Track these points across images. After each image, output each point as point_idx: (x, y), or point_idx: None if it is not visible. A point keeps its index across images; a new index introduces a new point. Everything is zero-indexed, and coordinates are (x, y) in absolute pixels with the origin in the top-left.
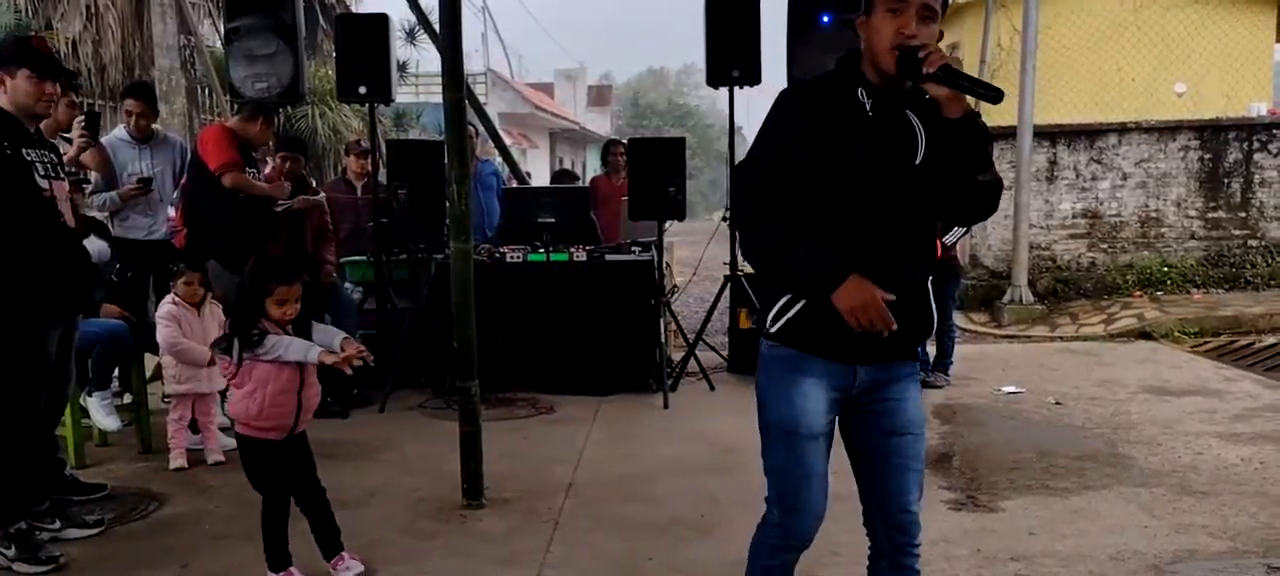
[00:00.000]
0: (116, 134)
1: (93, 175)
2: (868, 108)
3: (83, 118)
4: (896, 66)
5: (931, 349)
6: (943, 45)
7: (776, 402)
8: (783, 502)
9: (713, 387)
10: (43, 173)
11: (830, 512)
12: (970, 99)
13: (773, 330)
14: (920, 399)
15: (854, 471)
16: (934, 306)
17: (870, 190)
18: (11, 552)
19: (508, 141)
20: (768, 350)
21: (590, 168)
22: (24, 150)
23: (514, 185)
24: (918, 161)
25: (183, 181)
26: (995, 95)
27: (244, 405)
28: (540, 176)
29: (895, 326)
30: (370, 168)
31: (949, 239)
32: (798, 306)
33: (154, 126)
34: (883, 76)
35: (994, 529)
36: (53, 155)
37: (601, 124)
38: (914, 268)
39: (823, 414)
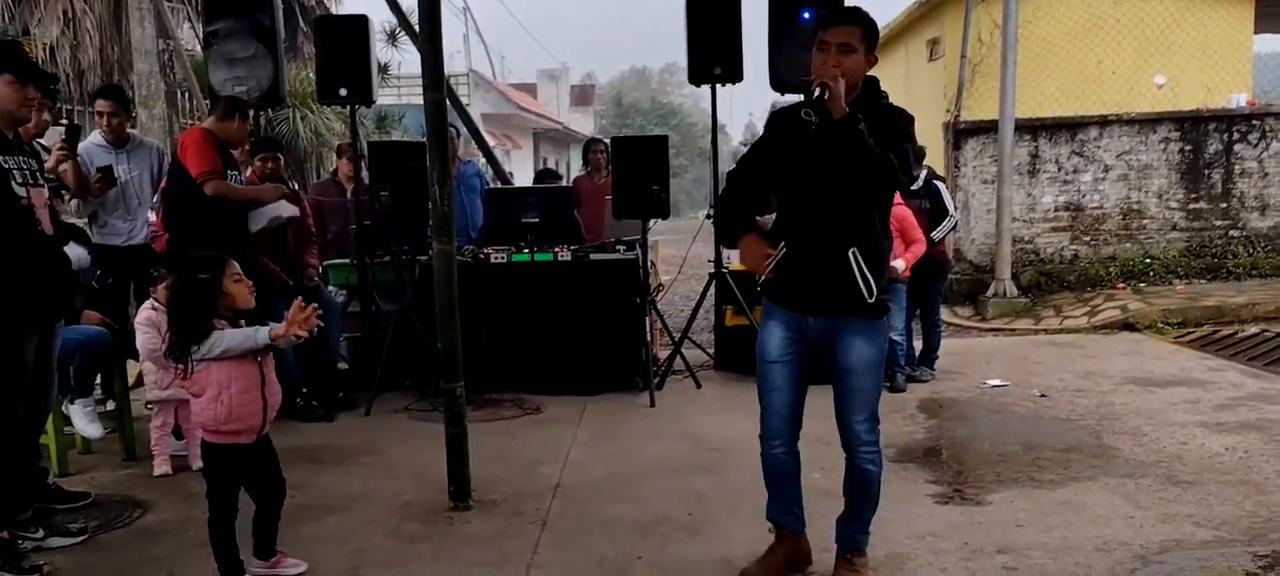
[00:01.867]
0: (92, 140)
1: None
2: (812, 123)
3: (63, 129)
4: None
5: (917, 343)
6: (924, 40)
7: (758, 339)
8: (760, 405)
9: (699, 386)
10: (21, 180)
11: (818, 509)
12: (844, 101)
13: (758, 289)
14: (868, 347)
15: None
16: (865, 276)
17: (805, 185)
18: None
19: (491, 142)
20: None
21: (574, 167)
22: (2, 158)
23: (496, 186)
24: (833, 160)
25: (163, 185)
26: (808, 92)
27: (211, 411)
28: (524, 177)
29: (768, 268)
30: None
31: (936, 234)
32: (770, 266)
33: (130, 130)
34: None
35: (981, 521)
36: (32, 162)
37: (585, 124)
38: (838, 241)
39: (777, 346)
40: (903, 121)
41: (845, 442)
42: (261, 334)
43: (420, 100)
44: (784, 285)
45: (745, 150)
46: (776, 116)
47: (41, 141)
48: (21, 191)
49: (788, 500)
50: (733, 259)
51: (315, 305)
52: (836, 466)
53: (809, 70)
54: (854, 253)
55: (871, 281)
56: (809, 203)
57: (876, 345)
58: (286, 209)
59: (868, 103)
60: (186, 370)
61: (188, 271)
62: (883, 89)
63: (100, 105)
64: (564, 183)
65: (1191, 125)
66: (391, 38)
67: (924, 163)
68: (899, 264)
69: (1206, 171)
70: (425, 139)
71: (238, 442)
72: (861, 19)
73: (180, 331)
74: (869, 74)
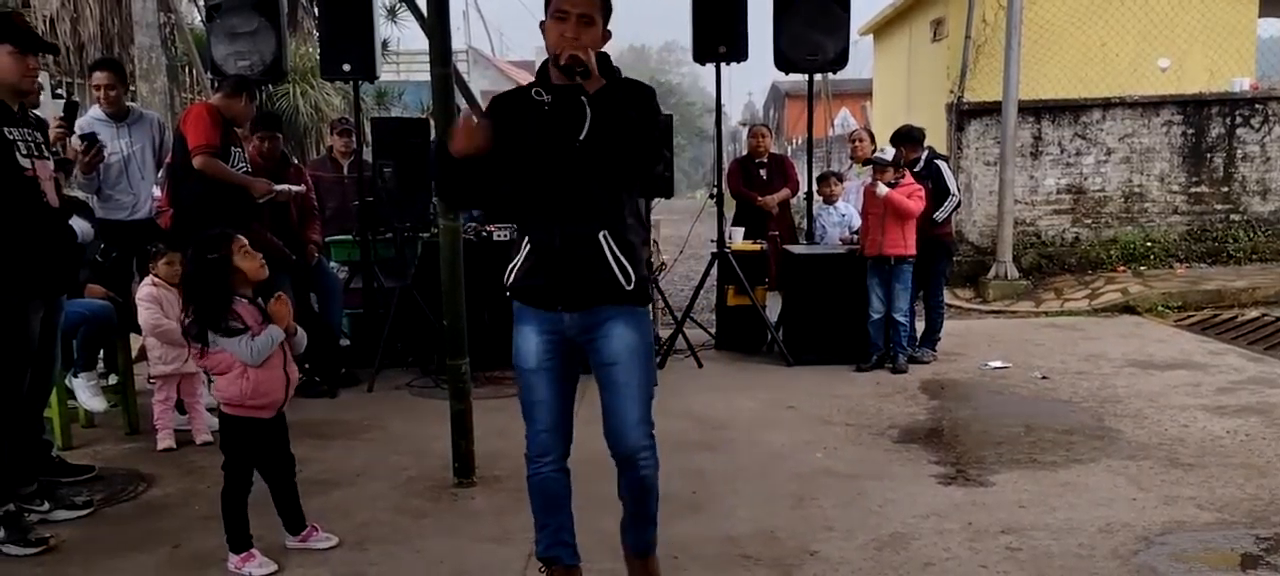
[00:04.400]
0: (92, 114)
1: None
2: (545, 103)
3: (62, 105)
4: (554, 67)
5: (919, 325)
6: (928, 21)
7: (514, 348)
8: (525, 422)
9: (701, 365)
10: (25, 152)
11: (821, 488)
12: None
13: (506, 291)
14: (631, 333)
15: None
16: (619, 260)
17: (540, 165)
18: (0, 535)
19: None
20: (512, 304)
21: None
22: (6, 129)
23: None
24: (581, 138)
25: (168, 160)
26: (561, 66)
27: (237, 387)
28: None
29: (474, 139)
30: (355, 146)
31: (939, 215)
32: (515, 268)
33: (129, 104)
34: (559, 72)
35: (984, 503)
36: (36, 134)
37: None
38: (585, 225)
39: (535, 352)
40: (654, 98)
41: (618, 453)
42: (277, 334)
43: (419, 76)
44: (532, 282)
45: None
46: (498, 102)
47: (39, 113)
48: (26, 163)
49: (560, 529)
50: (735, 238)
51: (280, 293)
52: (839, 447)
53: (813, 48)
54: (604, 236)
55: (628, 266)
56: (550, 189)
57: (640, 332)
58: (294, 186)
59: (612, 80)
60: (203, 350)
61: (197, 253)
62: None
63: (97, 78)
64: None
65: (1194, 109)
66: (391, 13)
67: (925, 143)
68: (882, 188)
69: (1208, 155)
70: (425, 115)
71: (259, 417)
72: None
73: (201, 314)
74: (604, 50)
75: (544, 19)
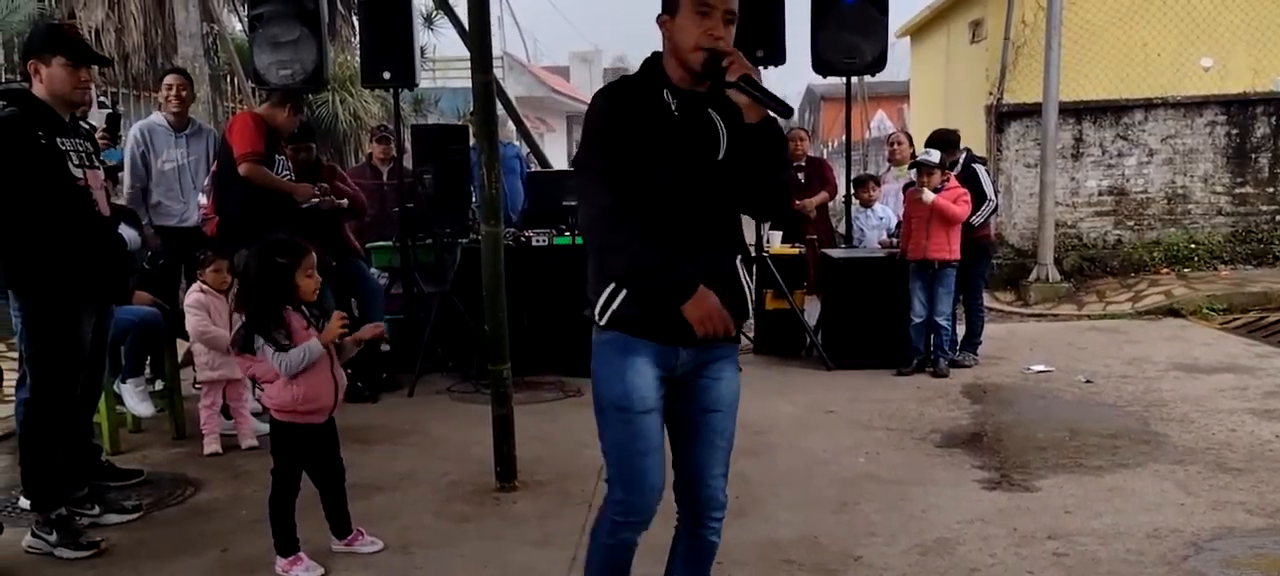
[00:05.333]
0: (154, 119)
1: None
2: (673, 107)
3: (106, 116)
4: (703, 66)
5: (959, 328)
6: (966, 22)
7: (608, 381)
8: (623, 479)
9: (740, 369)
10: (77, 162)
11: (863, 493)
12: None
13: (602, 321)
14: (736, 380)
15: (672, 445)
16: (747, 289)
17: (678, 184)
18: (53, 538)
19: (526, 124)
20: (599, 336)
21: None
22: (58, 140)
23: (534, 168)
24: (720, 157)
25: (213, 168)
26: (784, 110)
27: (288, 394)
28: (557, 160)
29: (734, 332)
30: (394, 153)
31: (976, 219)
32: (621, 297)
33: (190, 115)
34: (687, 75)
35: (1029, 508)
36: (87, 144)
37: None
38: (721, 251)
39: (652, 389)
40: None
41: (694, 507)
42: (313, 350)
43: (456, 83)
44: (652, 312)
45: (585, 147)
46: (618, 98)
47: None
48: (78, 173)
49: None
50: (773, 242)
51: (342, 314)
52: (881, 452)
53: (850, 51)
54: (740, 261)
55: (750, 297)
56: (684, 210)
57: (737, 378)
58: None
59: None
60: (246, 355)
61: (266, 253)
62: None
63: (171, 79)
64: None
65: (1238, 109)
66: (428, 20)
67: (962, 145)
68: (928, 194)
69: (1253, 155)
70: (463, 121)
71: (311, 422)
72: None
73: (254, 314)
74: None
75: (665, 14)
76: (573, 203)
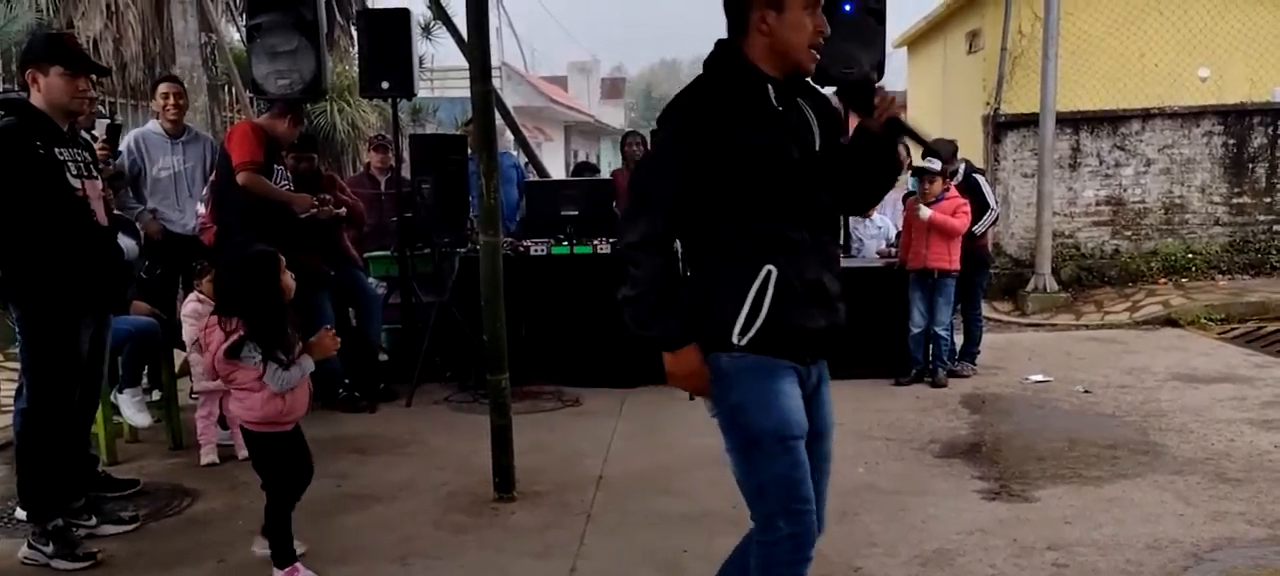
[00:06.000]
0: (150, 127)
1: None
2: (775, 102)
3: (106, 126)
4: (846, 92)
5: (958, 338)
6: (963, 32)
7: (765, 410)
8: (790, 510)
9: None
10: (75, 172)
11: (863, 503)
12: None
13: (742, 342)
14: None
15: None
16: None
17: (798, 180)
18: (50, 549)
19: (524, 134)
20: (736, 362)
21: (604, 159)
22: (57, 149)
23: (532, 178)
24: (817, 148)
25: (212, 177)
26: (946, 151)
27: (274, 406)
28: (555, 169)
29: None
30: (392, 162)
31: (978, 229)
32: (763, 316)
33: (186, 122)
34: (789, 70)
35: (1029, 518)
36: (86, 154)
37: (615, 116)
38: (836, 262)
39: (803, 411)
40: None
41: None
42: (307, 367)
43: (454, 92)
44: (796, 331)
45: (663, 157)
46: (726, 97)
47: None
48: (76, 183)
49: None
50: None
51: (330, 328)
52: (881, 462)
53: (848, 61)
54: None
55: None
56: (809, 215)
57: None
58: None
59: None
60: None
61: (248, 268)
62: None
63: (165, 88)
64: (600, 176)
65: (1235, 119)
66: (426, 31)
67: (960, 156)
68: (924, 210)
69: (1250, 166)
70: (460, 131)
71: (282, 431)
72: None
73: (259, 333)
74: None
75: (766, 9)
76: (572, 212)
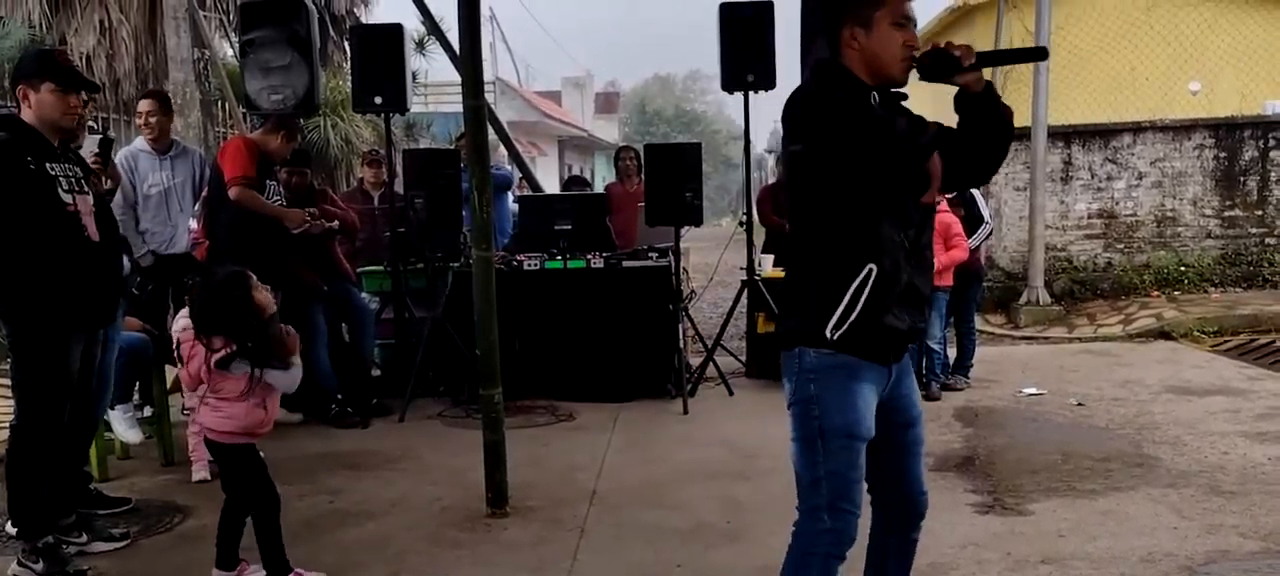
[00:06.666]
0: (136, 144)
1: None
2: (878, 108)
3: (98, 141)
4: (926, 71)
5: (950, 352)
6: (953, 44)
7: (840, 408)
8: (837, 506)
9: (732, 393)
10: (66, 187)
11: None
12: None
13: (834, 338)
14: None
15: (869, 460)
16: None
17: (909, 152)
18: (39, 567)
19: (517, 148)
20: (823, 359)
21: (597, 174)
22: (48, 165)
23: (524, 191)
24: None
25: (204, 193)
26: (1039, 54)
27: (257, 415)
28: (549, 183)
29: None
30: (385, 177)
31: (973, 242)
32: (855, 314)
33: (173, 137)
34: (881, 82)
35: (1023, 531)
36: (77, 170)
37: (609, 131)
38: (930, 258)
39: (874, 416)
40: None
41: (910, 515)
42: (299, 374)
43: (448, 107)
44: (883, 332)
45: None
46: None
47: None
48: (67, 198)
49: None
50: (765, 266)
51: (288, 328)
52: None
53: None
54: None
55: None
56: (907, 213)
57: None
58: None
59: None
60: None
61: (224, 293)
62: None
63: (144, 106)
64: (593, 190)
65: (1226, 132)
66: (420, 45)
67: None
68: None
69: (1242, 178)
70: (454, 145)
71: (253, 441)
72: None
73: (258, 354)
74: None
75: (856, 27)
76: (565, 226)
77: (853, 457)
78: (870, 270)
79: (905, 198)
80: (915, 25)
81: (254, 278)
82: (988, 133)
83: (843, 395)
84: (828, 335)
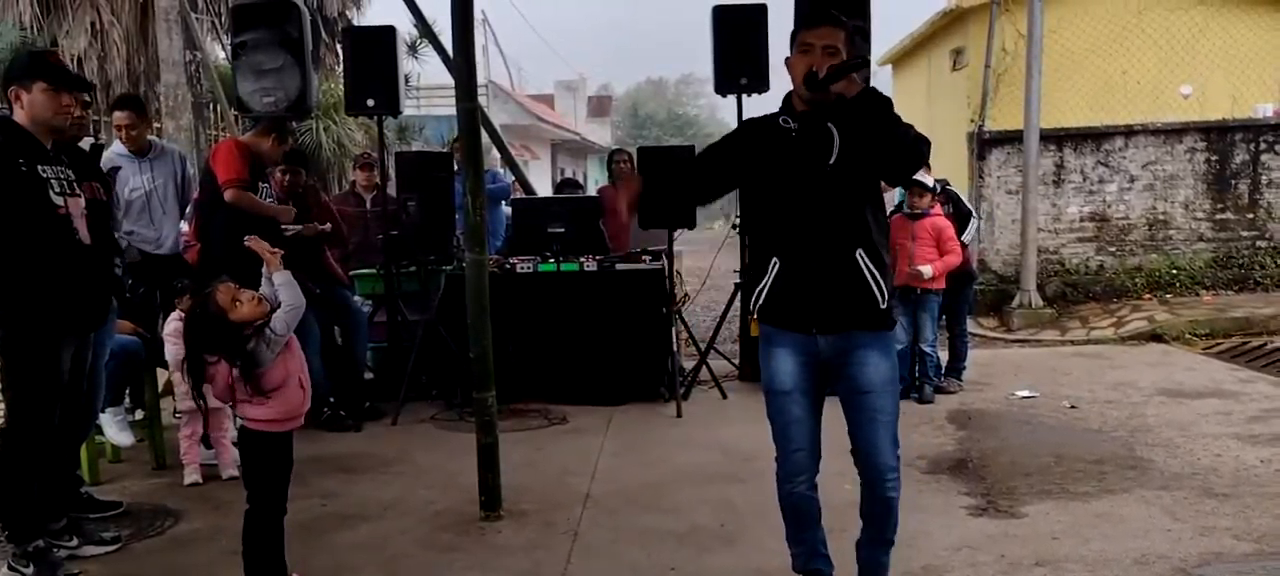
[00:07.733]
0: (115, 150)
1: None
2: (792, 129)
3: (88, 146)
4: (808, 89)
5: (943, 354)
6: (947, 50)
7: (763, 369)
8: (776, 443)
9: (725, 396)
10: (58, 189)
11: (850, 520)
12: (859, 78)
13: (753, 314)
14: (885, 363)
15: (847, 424)
16: (875, 277)
17: (791, 189)
18: (30, 571)
19: (510, 152)
20: (761, 331)
21: (590, 177)
22: (39, 167)
23: (516, 193)
24: (831, 161)
25: (195, 195)
26: (862, 62)
27: (298, 396)
28: (542, 187)
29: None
30: (378, 180)
31: (966, 237)
32: (764, 291)
33: (150, 138)
34: (805, 101)
35: (1017, 534)
36: (69, 172)
37: (602, 134)
38: (841, 245)
39: (790, 373)
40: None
41: (869, 474)
42: (294, 287)
43: (441, 110)
44: (786, 304)
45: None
46: (747, 128)
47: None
48: (59, 200)
49: (816, 543)
50: None
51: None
52: None
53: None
54: (860, 253)
55: (882, 283)
56: (801, 210)
57: (891, 360)
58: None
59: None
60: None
61: (202, 323)
62: None
63: (118, 118)
64: (585, 193)
65: (1218, 135)
66: (413, 49)
67: (937, 175)
68: (927, 269)
69: (1233, 181)
70: (446, 148)
71: (288, 429)
72: (844, 23)
73: (245, 364)
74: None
75: (789, 55)
76: (558, 230)
77: (776, 406)
78: (776, 260)
79: (802, 198)
80: (836, 52)
81: (230, 286)
82: (874, 129)
83: (764, 357)
84: (753, 312)
